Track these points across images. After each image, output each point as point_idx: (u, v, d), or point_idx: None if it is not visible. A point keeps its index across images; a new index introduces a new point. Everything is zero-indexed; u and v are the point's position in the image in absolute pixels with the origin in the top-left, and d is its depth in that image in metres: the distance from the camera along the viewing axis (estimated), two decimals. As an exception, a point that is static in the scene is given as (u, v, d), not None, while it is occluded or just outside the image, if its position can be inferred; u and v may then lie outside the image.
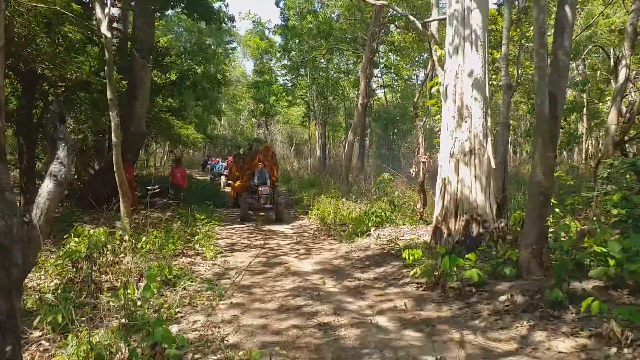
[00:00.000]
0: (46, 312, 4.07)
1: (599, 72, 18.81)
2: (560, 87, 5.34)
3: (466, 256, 5.21)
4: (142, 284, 5.12)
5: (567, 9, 5.26)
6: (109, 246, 6.30)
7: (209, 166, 28.81)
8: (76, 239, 5.87)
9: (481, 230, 6.62)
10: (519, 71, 13.78)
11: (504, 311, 4.41)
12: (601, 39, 16.33)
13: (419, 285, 5.67)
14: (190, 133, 21.18)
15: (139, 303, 4.35)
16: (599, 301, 3.60)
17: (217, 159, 27.99)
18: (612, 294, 4.31)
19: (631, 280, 4.28)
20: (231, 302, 5.22)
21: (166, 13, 21.13)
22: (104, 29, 7.02)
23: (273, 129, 41.95)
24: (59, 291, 4.92)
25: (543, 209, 5.22)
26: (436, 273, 5.47)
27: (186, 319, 4.60)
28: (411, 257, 5.83)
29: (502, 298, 4.64)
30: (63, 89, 13.02)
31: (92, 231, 5.71)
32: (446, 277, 5.32)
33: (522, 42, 13.00)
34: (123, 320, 3.91)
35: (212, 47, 27.06)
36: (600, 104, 17.89)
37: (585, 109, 17.34)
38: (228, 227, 11.54)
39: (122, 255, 6.60)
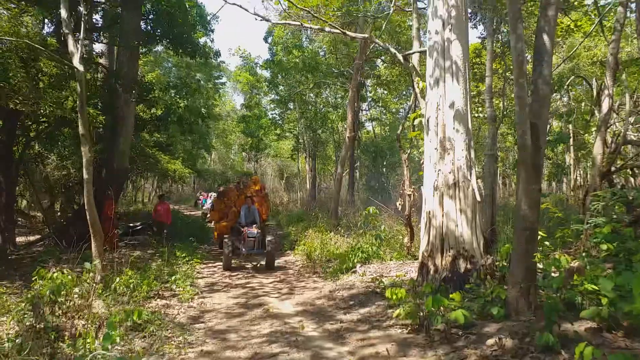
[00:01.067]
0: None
1: (583, 103, 18.99)
2: (541, 117, 5.17)
3: (451, 296, 4.93)
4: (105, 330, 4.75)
5: (545, 37, 5.18)
6: (76, 289, 5.92)
7: (200, 202, 28.23)
8: (41, 282, 5.53)
9: (469, 266, 6.34)
10: (505, 103, 13.87)
11: (493, 356, 4.10)
12: (584, 71, 16.55)
13: (403, 327, 5.33)
14: (178, 168, 20.91)
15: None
16: (592, 347, 3.31)
17: (208, 194, 27.23)
18: (607, 337, 4.01)
19: (626, 321, 3.99)
20: (201, 350, 4.86)
21: (153, 49, 21.24)
22: (76, 62, 6.85)
23: (263, 163, 41.82)
24: (17, 340, 4.55)
25: (530, 245, 4.97)
26: (421, 314, 5.15)
27: (150, 371, 4.24)
28: (395, 297, 5.51)
29: (490, 342, 4.32)
30: (46, 125, 12.80)
31: (55, 274, 5.36)
32: (431, 318, 4.99)
33: (507, 74, 13.11)
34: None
35: (201, 82, 27.18)
36: (586, 134, 17.97)
37: (571, 140, 17.41)
38: (210, 264, 11.14)
39: (92, 298, 6.21)
